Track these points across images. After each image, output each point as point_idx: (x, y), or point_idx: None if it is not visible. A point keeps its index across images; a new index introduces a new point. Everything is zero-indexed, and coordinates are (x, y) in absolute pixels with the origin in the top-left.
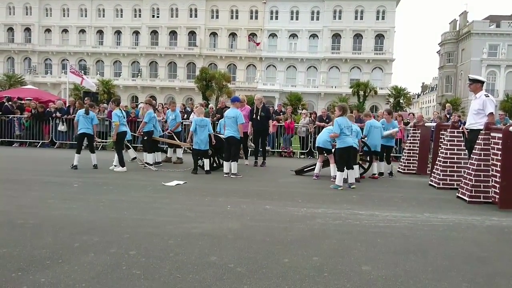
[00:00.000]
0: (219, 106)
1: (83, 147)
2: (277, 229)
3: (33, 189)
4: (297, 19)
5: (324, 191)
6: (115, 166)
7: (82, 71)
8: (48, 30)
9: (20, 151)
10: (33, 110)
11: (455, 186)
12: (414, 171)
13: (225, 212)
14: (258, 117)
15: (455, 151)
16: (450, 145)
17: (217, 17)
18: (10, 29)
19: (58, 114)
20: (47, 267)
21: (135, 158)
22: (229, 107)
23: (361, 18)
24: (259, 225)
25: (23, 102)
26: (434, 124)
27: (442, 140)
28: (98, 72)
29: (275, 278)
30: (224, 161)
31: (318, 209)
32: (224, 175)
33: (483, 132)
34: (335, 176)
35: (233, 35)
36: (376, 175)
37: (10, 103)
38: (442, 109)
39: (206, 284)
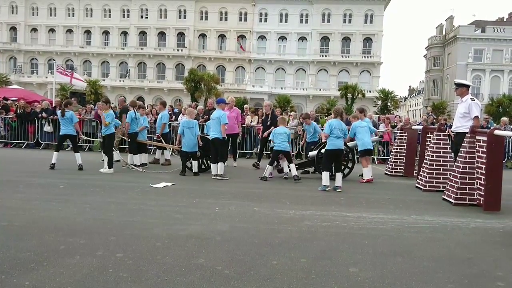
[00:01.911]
0: (207, 107)
1: (69, 148)
2: (265, 231)
3: (18, 191)
4: (286, 21)
5: (312, 193)
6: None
7: (73, 70)
8: (34, 30)
9: (5, 151)
10: (18, 110)
11: (441, 189)
12: (401, 174)
13: (213, 214)
14: (268, 122)
15: (441, 154)
16: (436, 147)
17: (206, 18)
18: None
19: (44, 115)
20: (32, 270)
21: (118, 160)
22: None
23: (350, 22)
24: (247, 227)
25: (8, 102)
26: (421, 127)
27: (428, 142)
28: (86, 73)
29: (263, 280)
30: (211, 163)
31: (306, 211)
32: (212, 177)
33: (469, 135)
34: (287, 172)
35: (222, 36)
36: (368, 178)
37: None
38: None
39: (193, 287)
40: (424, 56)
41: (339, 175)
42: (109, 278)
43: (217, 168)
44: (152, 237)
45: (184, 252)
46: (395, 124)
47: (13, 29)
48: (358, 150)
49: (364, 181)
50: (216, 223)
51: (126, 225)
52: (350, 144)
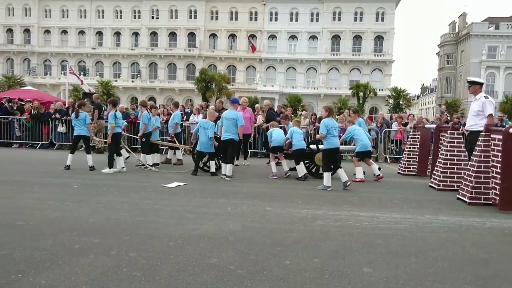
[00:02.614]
0: (216, 107)
1: (82, 148)
2: (278, 231)
3: (33, 191)
4: (296, 20)
5: (324, 192)
6: (122, 168)
7: (81, 73)
8: (47, 31)
9: (20, 152)
10: (32, 111)
11: (455, 188)
12: (414, 173)
13: (226, 213)
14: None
15: (455, 153)
16: (450, 146)
17: (216, 18)
18: (10, 30)
19: (57, 115)
20: (47, 269)
21: (128, 157)
22: (226, 109)
23: (361, 20)
24: (259, 226)
25: (23, 103)
26: (434, 125)
27: (442, 141)
28: (98, 73)
29: (276, 280)
30: (223, 163)
31: (319, 210)
32: (221, 176)
33: (483, 133)
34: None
35: (232, 36)
36: (380, 175)
37: (9, 104)
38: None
39: (206, 286)
40: (436, 53)
41: (341, 171)
42: (123, 277)
43: (226, 169)
44: (165, 237)
45: (197, 252)
46: (407, 121)
47: (27, 31)
48: (357, 151)
49: (357, 180)
50: (228, 222)
51: (139, 225)
52: (344, 147)
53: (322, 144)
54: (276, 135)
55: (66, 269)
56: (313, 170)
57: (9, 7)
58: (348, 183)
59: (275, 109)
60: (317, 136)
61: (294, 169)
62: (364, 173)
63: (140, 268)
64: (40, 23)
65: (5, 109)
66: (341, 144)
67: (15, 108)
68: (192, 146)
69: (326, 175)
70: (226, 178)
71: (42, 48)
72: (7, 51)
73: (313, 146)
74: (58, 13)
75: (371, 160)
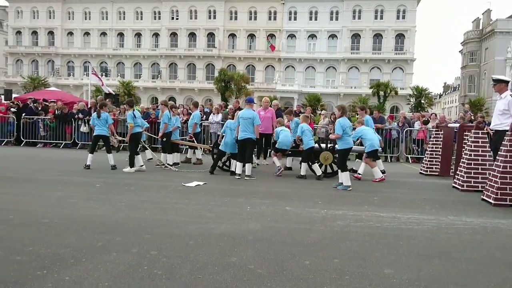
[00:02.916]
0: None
1: (103, 148)
2: (297, 231)
3: (56, 189)
4: (316, 19)
5: (344, 192)
6: (141, 166)
7: (103, 74)
8: (70, 33)
9: (44, 151)
10: (56, 112)
11: (479, 188)
12: (437, 173)
13: (245, 213)
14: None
15: (480, 153)
16: (475, 146)
17: (235, 18)
18: (34, 33)
19: (80, 116)
20: (71, 266)
21: (151, 158)
22: (242, 108)
23: (381, 18)
24: (279, 226)
25: (47, 103)
26: (458, 125)
27: (466, 141)
28: (119, 74)
29: (296, 280)
30: (237, 162)
31: (339, 210)
32: (237, 177)
33: (509, 133)
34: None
35: (251, 36)
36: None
37: (35, 104)
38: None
39: (226, 285)
40: (459, 51)
41: (347, 174)
42: (144, 275)
43: (243, 168)
44: (185, 236)
45: (216, 251)
46: (428, 119)
47: (51, 33)
48: (366, 151)
49: (377, 180)
50: (247, 222)
51: (160, 223)
52: (356, 148)
53: (330, 143)
54: (283, 137)
55: (89, 266)
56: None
57: (34, 10)
58: (349, 189)
59: (294, 108)
60: (332, 136)
61: (289, 168)
62: (384, 172)
63: (161, 266)
64: (63, 25)
65: (30, 110)
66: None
67: (39, 108)
68: (212, 145)
69: (345, 175)
70: (245, 178)
71: (65, 50)
72: (32, 53)
73: (322, 145)
74: (81, 15)
75: (374, 163)
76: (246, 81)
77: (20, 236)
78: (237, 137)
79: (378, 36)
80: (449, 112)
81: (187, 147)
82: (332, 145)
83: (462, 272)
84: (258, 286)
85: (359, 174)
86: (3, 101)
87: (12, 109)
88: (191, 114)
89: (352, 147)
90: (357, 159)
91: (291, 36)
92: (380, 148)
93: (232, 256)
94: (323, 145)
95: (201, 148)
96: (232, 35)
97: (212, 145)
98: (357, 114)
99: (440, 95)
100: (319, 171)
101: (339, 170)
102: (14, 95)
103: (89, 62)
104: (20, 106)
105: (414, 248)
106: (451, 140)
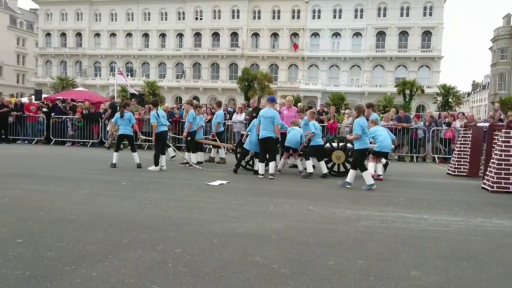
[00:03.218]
0: (252, 106)
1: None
2: (321, 231)
3: (84, 187)
4: (340, 17)
5: (369, 193)
6: (162, 166)
7: (129, 74)
8: (97, 35)
9: (72, 150)
10: (84, 111)
11: (510, 190)
12: (465, 173)
13: (268, 212)
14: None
15: (511, 153)
16: (505, 146)
17: (259, 17)
18: (63, 35)
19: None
20: (98, 262)
21: (174, 156)
22: (260, 108)
23: (407, 15)
24: (302, 226)
25: (75, 103)
26: (487, 124)
27: (496, 141)
28: (144, 74)
29: (320, 281)
30: (259, 162)
31: (363, 211)
32: (260, 177)
33: None
34: (304, 169)
35: (275, 35)
36: (381, 176)
37: (63, 104)
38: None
39: (250, 284)
40: (489, 48)
41: (353, 173)
42: (169, 272)
43: (266, 167)
44: (209, 234)
45: (240, 250)
46: (450, 122)
47: (79, 34)
48: (374, 150)
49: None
50: (271, 221)
51: (184, 222)
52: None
53: (345, 142)
54: (291, 135)
55: (115, 262)
56: (332, 168)
57: (63, 12)
58: (373, 187)
59: (318, 108)
60: (350, 136)
61: (295, 166)
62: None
63: (185, 264)
64: (90, 26)
65: (59, 109)
66: None
67: (68, 108)
68: (235, 144)
69: (366, 174)
70: (269, 177)
71: (92, 51)
72: (61, 54)
73: (334, 144)
74: (108, 16)
75: (383, 159)
76: (269, 80)
77: (49, 232)
78: (258, 135)
79: (404, 34)
80: (477, 111)
81: (211, 146)
82: (344, 143)
83: (492, 275)
84: (281, 286)
85: (380, 175)
86: (33, 101)
87: (44, 109)
88: (214, 113)
89: (368, 147)
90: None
91: (315, 34)
92: (393, 146)
93: (255, 255)
94: (334, 144)
95: (224, 147)
96: (256, 35)
97: (235, 144)
98: (382, 114)
99: (469, 94)
100: (325, 169)
101: (351, 170)
102: (43, 95)
103: (115, 63)
104: (50, 106)
105: (441, 250)
106: (480, 140)
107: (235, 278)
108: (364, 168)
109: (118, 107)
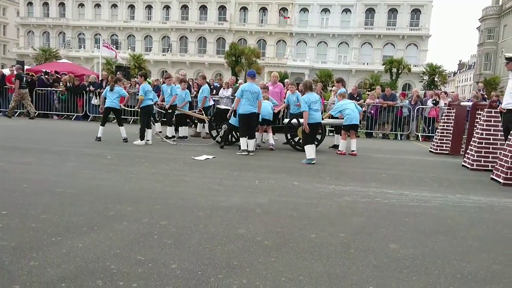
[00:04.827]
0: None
1: (114, 120)
2: (305, 205)
3: (69, 160)
4: None
5: (352, 169)
6: (147, 140)
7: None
8: (81, 5)
9: (56, 123)
10: (67, 84)
11: (489, 168)
12: (447, 152)
13: (253, 186)
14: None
15: (492, 132)
16: (487, 125)
17: None
18: (45, 4)
19: (91, 88)
20: (84, 234)
21: (160, 131)
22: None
23: None
24: (286, 200)
25: (59, 76)
26: (470, 103)
27: (478, 120)
28: (130, 47)
29: (302, 253)
30: (248, 139)
31: (346, 186)
32: (244, 153)
33: None
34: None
35: (263, 9)
36: (355, 151)
37: (46, 76)
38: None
39: (234, 255)
40: (477, 28)
41: (312, 147)
42: (154, 243)
43: (247, 144)
44: (195, 207)
45: (225, 223)
46: (438, 100)
47: (62, 4)
48: (344, 124)
49: (338, 152)
50: (256, 196)
51: (170, 195)
52: (330, 121)
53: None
54: (263, 108)
55: (101, 234)
56: (296, 141)
57: None
58: (313, 162)
59: None
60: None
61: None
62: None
63: (171, 236)
64: None
65: (42, 81)
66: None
67: (51, 80)
68: (210, 117)
69: (308, 148)
70: (251, 154)
71: (76, 22)
72: (43, 24)
73: (294, 121)
74: None
75: (355, 134)
76: (257, 55)
77: (34, 204)
78: (234, 110)
79: (393, 11)
80: (463, 90)
81: (196, 120)
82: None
83: (467, 248)
84: (264, 257)
85: (353, 150)
86: (15, 72)
87: (27, 81)
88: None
89: (319, 122)
90: (335, 134)
91: (304, 10)
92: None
93: (240, 228)
94: (301, 120)
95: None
96: (244, 8)
97: (211, 117)
98: (368, 91)
99: (455, 73)
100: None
101: (305, 146)
102: (26, 67)
103: (100, 35)
104: (35, 78)
105: (420, 225)
106: (463, 119)
107: (220, 249)
108: (309, 142)
109: (23, 78)
